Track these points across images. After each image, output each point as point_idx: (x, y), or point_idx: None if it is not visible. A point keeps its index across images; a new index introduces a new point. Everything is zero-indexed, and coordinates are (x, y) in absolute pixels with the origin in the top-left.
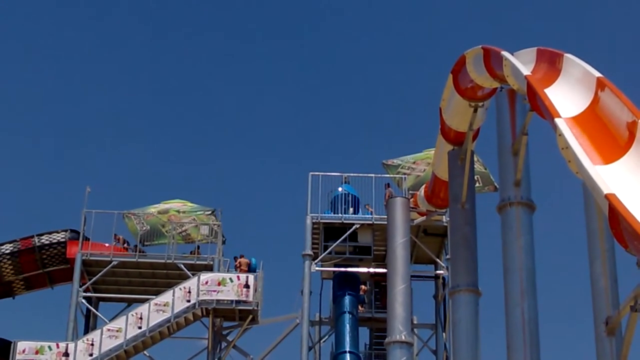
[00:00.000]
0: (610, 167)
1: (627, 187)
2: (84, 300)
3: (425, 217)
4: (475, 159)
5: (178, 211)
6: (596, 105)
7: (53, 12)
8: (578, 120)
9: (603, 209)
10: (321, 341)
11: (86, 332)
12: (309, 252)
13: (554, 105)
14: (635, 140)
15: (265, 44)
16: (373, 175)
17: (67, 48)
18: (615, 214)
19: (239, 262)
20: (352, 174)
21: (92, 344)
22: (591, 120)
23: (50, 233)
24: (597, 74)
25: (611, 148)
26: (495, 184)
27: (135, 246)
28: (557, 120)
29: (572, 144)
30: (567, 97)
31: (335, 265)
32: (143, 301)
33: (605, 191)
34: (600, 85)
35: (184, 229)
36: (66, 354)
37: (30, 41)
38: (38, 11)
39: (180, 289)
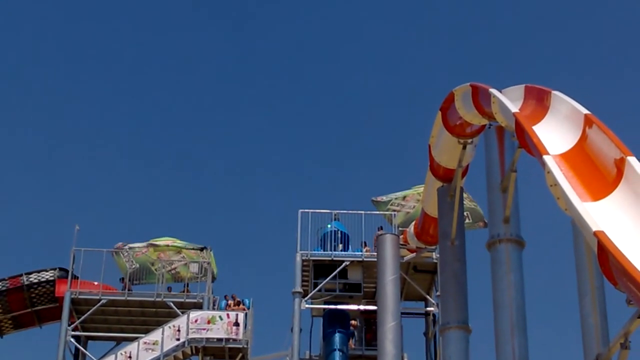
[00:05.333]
0: (598, 204)
1: (616, 224)
2: (72, 339)
3: (415, 253)
4: (464, 195)
5: (167, 245)
6: (584, 142)
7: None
8: (566, 157)
9: (592, 246)
10: None
11: None
12: (299, 289)
13: (542, 142)
14: (624, 177)
15: (252, 80)
16: (363, 212)
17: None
18: (604, 251)
19: (232, 304)
20: (341, 211)
21: None
22: (579, 157)
23: (39, 271)
24: (585, 111)
25: (599, 185)
26: (485, 221)
27: (122, 279)
28: (545, 157)
29: (560, 181)
30: (555, 134)
31: (325, 303)
32: (132, 340)
33: (594, 228)
34: (587, 122)
35: (173, 266)
36: None
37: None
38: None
39: (170, 327)
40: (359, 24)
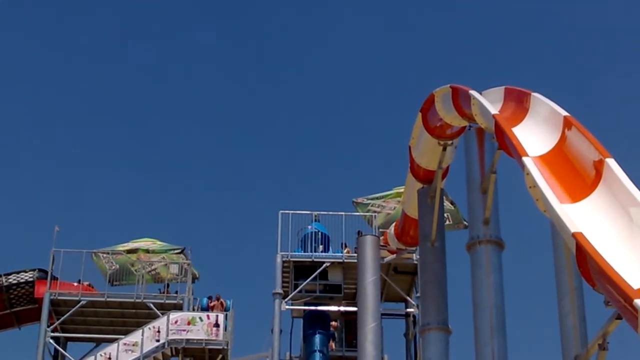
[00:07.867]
0: (577, 205)
1: (594, 226)
2: (52, 341)
3: (395, 255)
4: (444, 197)
5: (147, 250)
6: (563, 144)
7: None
8: (545, 159)
9: (570, 247)
10: None
11: None
12: (279, 290)
13: (521, 144)
14: (602, 178)
15: (233, 84)
16: (343, 213)
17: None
18: (582, 253)
19: (214, 305)
20: (322, 212)
21: None
22: (558, 159)
23: (17, 272)
24: (564, 113)
25: (578, 186)
26: (465, 222)
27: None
28: (524, 159)
29: (539, 183)
30: (535, 135)
31: (306, 304)
32: (112, 341)
33: (572, 230)
34: (567, 124)
35: (153, 267)
36: None
37: None
38: None
39: (150, 328)
40: (338, 26)
